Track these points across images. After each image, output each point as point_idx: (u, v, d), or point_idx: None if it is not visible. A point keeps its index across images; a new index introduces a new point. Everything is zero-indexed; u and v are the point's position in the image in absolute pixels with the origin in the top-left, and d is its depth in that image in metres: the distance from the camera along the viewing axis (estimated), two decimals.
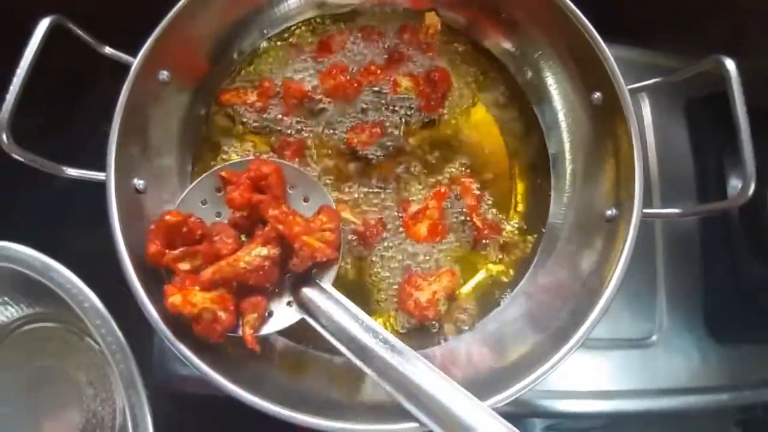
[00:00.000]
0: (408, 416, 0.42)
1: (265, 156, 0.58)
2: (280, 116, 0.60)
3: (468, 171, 0.60)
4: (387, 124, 0.60)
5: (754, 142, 0.47)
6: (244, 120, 0.60)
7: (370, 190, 0.58)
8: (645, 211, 0.48)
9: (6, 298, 0.57)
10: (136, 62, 0.50)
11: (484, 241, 0.57)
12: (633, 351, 0.64)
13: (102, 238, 0.46)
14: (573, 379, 0.63)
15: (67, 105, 0.63)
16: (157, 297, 0.44)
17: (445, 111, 0.61)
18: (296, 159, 0.58)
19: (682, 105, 0.73)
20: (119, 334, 0.48)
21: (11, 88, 0.46)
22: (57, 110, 0.62)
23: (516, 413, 0.63)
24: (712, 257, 0.68)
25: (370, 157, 0.59)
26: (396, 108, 0.61)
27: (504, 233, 0.58)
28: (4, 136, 0.46)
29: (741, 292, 0.66)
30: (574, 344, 0.45)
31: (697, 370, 0.64)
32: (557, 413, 0.62)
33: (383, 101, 0.61)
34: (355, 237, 0.56)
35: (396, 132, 0.60)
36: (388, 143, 0.60)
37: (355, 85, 0.60)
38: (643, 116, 0.71)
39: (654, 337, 0.65)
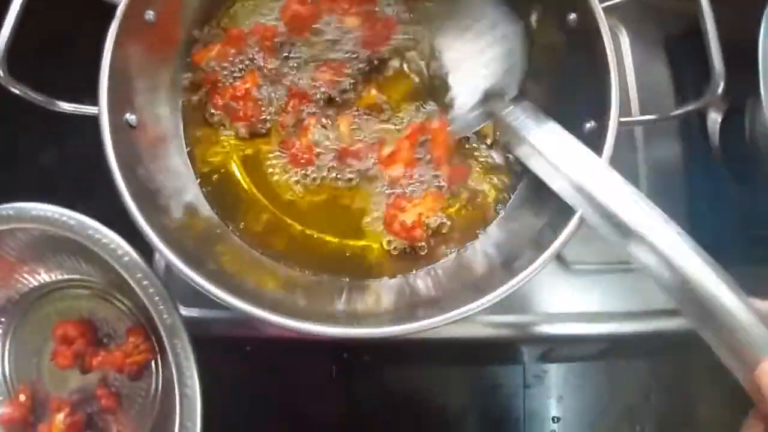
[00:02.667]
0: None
1: None
2: (254, 59, 0.60)
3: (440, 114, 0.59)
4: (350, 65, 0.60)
5: (728, 74, 0.49)
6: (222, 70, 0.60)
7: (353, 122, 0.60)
8: (622, 119, 0.50)
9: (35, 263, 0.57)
10: None
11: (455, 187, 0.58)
12: (623, 275, 0.65)
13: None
14: (565, 304, 0.65)
15: (59, 46, 0.65)
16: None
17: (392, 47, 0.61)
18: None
19: (661, 41, 0.75)
20: (161, 285, 0.48)
21: (6, 21, 0.47)
22: (48, 51, 0.64)
23: (509, 338, 0.64)
24: (695, 185, 0.70)
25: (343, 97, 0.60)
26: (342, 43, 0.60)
27: (480, 159, 0.59)
28: (0, 70, 0.47)
29: (726, 216, 0.68)
30: (555, 249, 0.46)
31: None
32: (550, 337, 0.64)
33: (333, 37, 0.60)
34: (335, 156, 0.58)
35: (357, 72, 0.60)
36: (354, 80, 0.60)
37: (311, 13, 0.59)
38: (623, 53, 0.72)
39: None
